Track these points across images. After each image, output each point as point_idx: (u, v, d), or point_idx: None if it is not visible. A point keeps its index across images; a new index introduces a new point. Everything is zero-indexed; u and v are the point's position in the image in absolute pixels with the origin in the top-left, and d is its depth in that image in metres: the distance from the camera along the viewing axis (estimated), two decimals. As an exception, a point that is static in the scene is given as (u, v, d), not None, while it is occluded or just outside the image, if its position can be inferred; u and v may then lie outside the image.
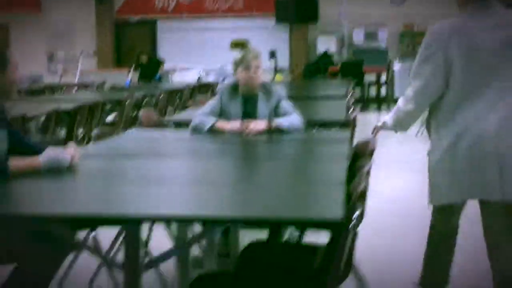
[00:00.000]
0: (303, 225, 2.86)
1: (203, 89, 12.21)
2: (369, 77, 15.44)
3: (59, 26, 17.16)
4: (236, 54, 4.69)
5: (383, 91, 15.82)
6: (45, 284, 2.92)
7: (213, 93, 12.25)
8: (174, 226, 3.26)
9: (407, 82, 3.55)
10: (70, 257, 3.31)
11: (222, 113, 4.47)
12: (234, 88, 4.56)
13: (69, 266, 3.51)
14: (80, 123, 6.45)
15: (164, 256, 2.57)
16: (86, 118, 6.60)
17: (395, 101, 13.23)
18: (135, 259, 2.35)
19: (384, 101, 15.10)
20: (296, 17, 16.50)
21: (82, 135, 6.53)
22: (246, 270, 2.81)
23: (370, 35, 16.55)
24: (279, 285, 2.59)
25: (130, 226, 2.36)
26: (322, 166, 3.32)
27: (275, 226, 3.38)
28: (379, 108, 15.08)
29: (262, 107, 4.48)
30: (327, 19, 16.47)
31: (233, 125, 4.30)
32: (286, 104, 4.49)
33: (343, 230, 2.22)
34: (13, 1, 16.71)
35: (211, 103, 4.56)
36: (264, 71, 4.56)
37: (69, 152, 2.95)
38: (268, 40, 16.33)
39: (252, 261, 2.91)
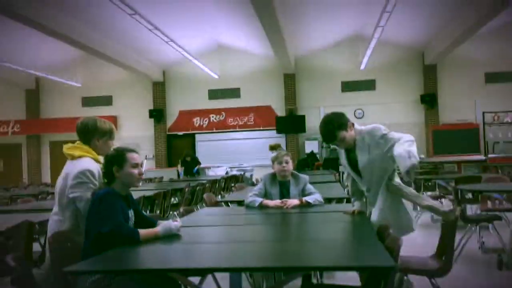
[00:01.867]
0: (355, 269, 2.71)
1: (231, 179, 12.18)
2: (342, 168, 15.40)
3: (129, 139, 17.32)
4: (272, 153, 4.72)
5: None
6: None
7: (238, 182, 12.30)
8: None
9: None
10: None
11: (266, 194, 4.46)
12: (273, 177, 4.57)
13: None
14: (157, 204, 6.42)
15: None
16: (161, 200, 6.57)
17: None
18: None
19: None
20: (290, 129, 16.72)
21: (159, 212, 6.47)
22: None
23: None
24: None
25: (233, 274, 2.28)
26: (351, 226, 3.23)
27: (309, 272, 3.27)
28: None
29: (293, 189, 4.47)
30: (311, 129, 16.66)
31: (275, 202, 4.27)
32: (310, 186, 4.49)
33: (390, 274, 2.13)
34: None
35: (258, 187, 4.55)
36: (291, 164, 4.56)
37: (177, 223, 2.91)
38: (271, 145, 16.44)
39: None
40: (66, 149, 3.45)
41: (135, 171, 2.95)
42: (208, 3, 12.49)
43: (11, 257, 2.34)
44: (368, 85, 16.87)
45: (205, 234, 3.18)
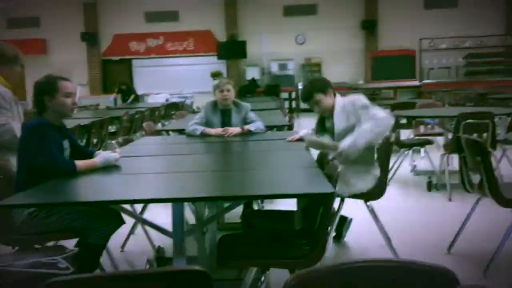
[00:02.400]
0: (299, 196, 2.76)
1: (171, 107, 11.99)
2: (283, 95, 15.53)
3: (60, 64, 16.45)
4: (214, 81, 4.65)
5: (293, 104, 16.08)
6: (100, 251, 2.80)
7: (178, 110, 12.12)
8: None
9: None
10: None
11: (207, 123, 4.43)
12: (214, 105, 4.52)
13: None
14: (94, 134, 6.24)
15: (200, 225, 2.50)
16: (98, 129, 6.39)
17: (301, 110, 13.17)
18: (180, 226, 2.29)
19: (294, 111, 15.22)
20: (231, 55, 16.48)
21: (96, 142, 6.31)
22: (250, 231, 2.78)
23: (282, 66, 16.72)
24: (275, 239, 2.56)
25: (175, 204, 2.29)
26: (292, 154, 3.29)
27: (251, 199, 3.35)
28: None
29: (235, 117, 4.46)
30: (252, 56, 16.53)
31: (217, 131, 4.27)
32: (252, 114, 4.48)
33: (329, 200, 2.21)
34: (25, 45, 16.02)
35: (199, 116, 4.51)
36: (233, 92, 4.51)
37: (116, 154, 2.85)
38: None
39: (252, 225, 2.87)
40: None
41: (68, 100, 2.82)
42: None
43: None
44: (310, 9, 16.72)
45: (146, 164, 3.14)
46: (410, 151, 6.48)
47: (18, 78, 3.36)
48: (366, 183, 3.35)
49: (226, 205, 2.89)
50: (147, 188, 2.44)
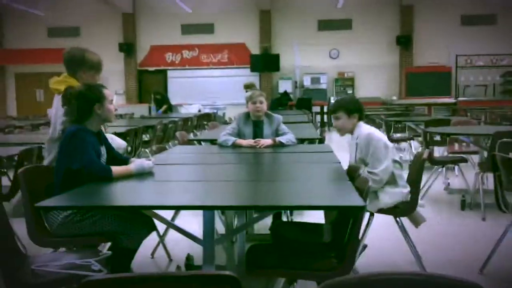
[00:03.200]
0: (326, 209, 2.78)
1: (203, 117, 12.12)
2: (315, 109, 15.49)
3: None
4: (247, 93, 4.70)
5: (325, 118, 16.03)
6: (132, 255, 2.86)
7: (211, 120, 12.23)
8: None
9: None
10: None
11: (239, 134, 4.48)
12: (247, 116, 4.57)
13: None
14: (128, 142, 6.35)
15: (229, 234, 2.52)
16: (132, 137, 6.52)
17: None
18: (211, 234, 2.31)
19: (326, 125, 15.18)
20: (264, 67, 16.58)
21: (131, 149, 6.43)
22: (279, 242, 2.78)
23: (315, 79, 16.71)
24: (304, 251, 2.55)
25: (206, 212, 2.31)
26: (323, 167, 3.30)
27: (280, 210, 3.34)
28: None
29: (267, 129, 4.49)
30: (285, 68, 16.60)
31: (248, 142, 4.30)
32: (283, 127, 4.51)
33: (359, 213, 2.21)
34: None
35: (231, 126, 4.55)
36: (265, 104, 4.54)
37: (150, 161, 2.91)
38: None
39: (281, 236, 2.88)
40: (53, 83, 3.37)
41: (112, 107, 2.94)
42: None
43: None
44: (344, 24, 16.72)
45: (178, 172, 3.19)
46: (444, 169, 6.37)
47: None
48: (391, 197, 3.32)
49: (255, 215, 2.91)
50: (179, 196, 2.48)
